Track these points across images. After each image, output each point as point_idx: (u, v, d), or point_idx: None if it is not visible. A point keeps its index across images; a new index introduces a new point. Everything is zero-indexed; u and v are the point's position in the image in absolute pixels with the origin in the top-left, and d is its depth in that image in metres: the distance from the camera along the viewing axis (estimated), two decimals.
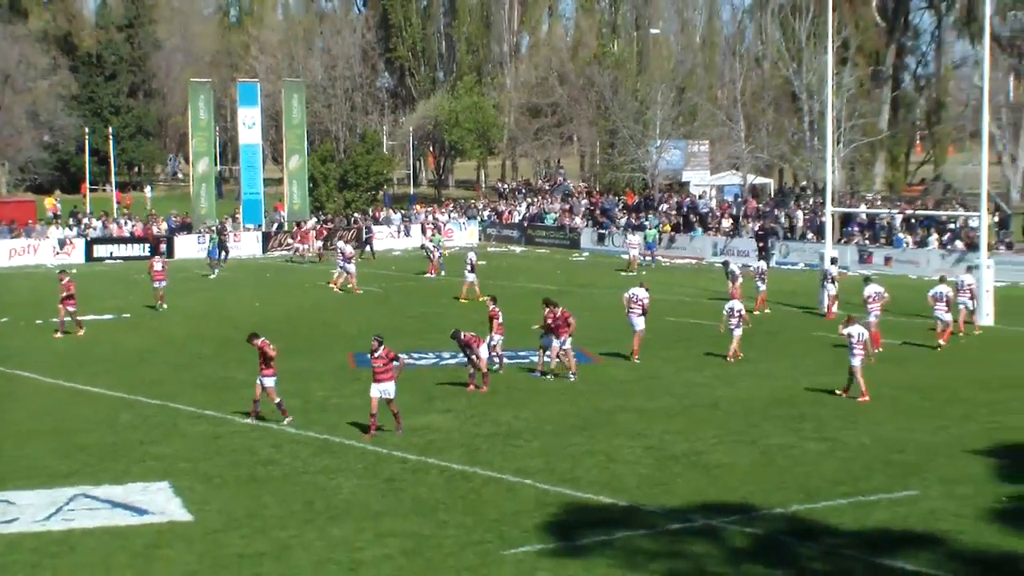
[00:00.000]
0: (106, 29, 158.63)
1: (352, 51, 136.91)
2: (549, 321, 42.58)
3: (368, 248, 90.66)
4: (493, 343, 42.71)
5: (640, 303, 46.92)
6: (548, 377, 42.30)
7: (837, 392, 39.36)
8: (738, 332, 46.46)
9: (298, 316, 58.93)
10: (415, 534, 25.60)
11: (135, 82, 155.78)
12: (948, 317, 49.75)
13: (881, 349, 46.82)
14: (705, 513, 26.84)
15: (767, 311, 57.90)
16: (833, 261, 61.53)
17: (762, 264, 63.11)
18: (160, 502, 28.26)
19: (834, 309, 55.99)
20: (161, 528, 26.40)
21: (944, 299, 49.72)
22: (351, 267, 70.48)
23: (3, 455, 32.94)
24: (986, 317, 54.29)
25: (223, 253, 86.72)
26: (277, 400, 35.87)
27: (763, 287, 59.67)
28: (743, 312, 46.92)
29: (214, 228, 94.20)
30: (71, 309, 53.49)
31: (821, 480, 29.46)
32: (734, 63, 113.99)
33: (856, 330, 39.54)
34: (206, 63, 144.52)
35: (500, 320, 43.16)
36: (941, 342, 49.12)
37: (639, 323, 46.68)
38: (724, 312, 47.38)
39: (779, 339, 50.10)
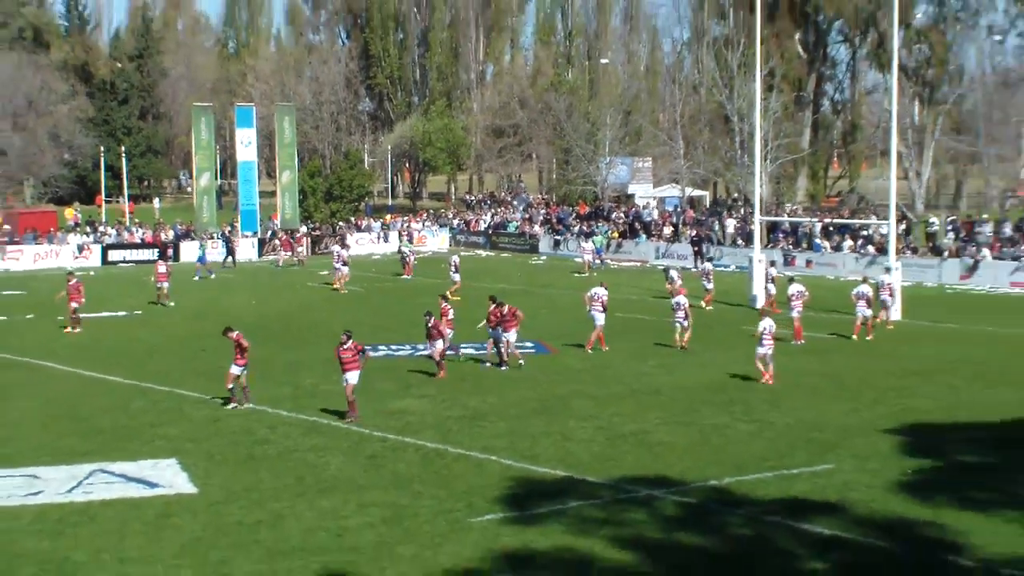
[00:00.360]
0: (119, 59, 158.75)
1: (337, 79, 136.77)
2: (493, 318, 42.70)
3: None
4: (508, 338, 42.70)
5: (600, 300, 46.97)
6: (503, 368, 42.14)
7: (761, 381, 39.38)
8: (685, 324, 46.63)
9: (290, 314, 58.88)
10: (394, 504, 25.66)
11: (145, 106, 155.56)
12: (868, 312, 49.88)
13: (803, 341, 47.15)
14: (648, 485, 26.94)
15: (709, 308, 58.07)
16: (772, 263, 61.91)
17: (708, 265, 63.34)
18: (169, 477, 28.30)
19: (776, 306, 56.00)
20: (169, 500, 26.44)
21: (865, 297, 49.92)
22: (345, 269, 70.54)
23: (29, 435, 32.89)
24: (895, 313, 54.51)
25: (229, 257, 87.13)
26: (230, 387, 35.94)
27: (710, 286, 59.92)
28: (687, 307, 47.03)
29: (214, 235, 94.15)
30: (75, 305, 53.20)
31: (750, 456, 29.61)
32: (674, 89, 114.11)
33: (766, 324, 39.87)
34: (207, 89, 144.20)
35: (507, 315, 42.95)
36: (854, 337, 49.15)
37: (600, 318, 46.71)
38: (672, 306, 47.59)
39: (713, 332, 50.20)
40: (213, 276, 76.77)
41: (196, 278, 76.31)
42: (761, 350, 39.63)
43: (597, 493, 26.49)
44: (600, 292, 47.42)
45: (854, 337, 49.23)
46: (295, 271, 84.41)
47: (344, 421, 33.45)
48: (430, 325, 40.80)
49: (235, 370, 35.83)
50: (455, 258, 69.76)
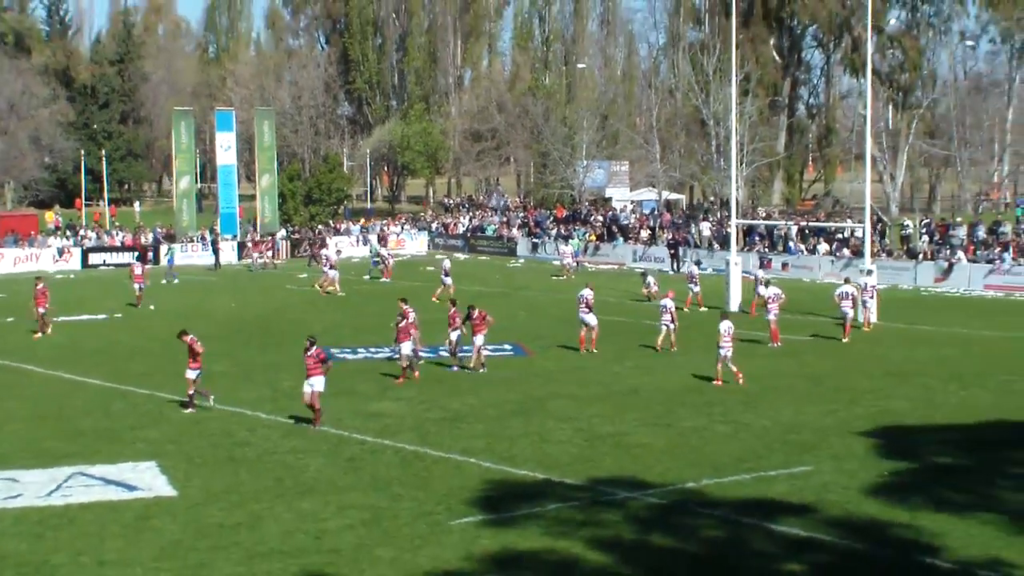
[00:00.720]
0: (100, 64, 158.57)
1: (316, 83, 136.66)
2: (452, 321, 42.70)
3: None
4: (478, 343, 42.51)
5: (586, 301, 47.03)
6: (452, 369, 42.36)
7: (715, 383, 39.56)
8: (671, 326, 46.65)
9: (269, 316, 58.82)
10: (373, 507, 25.59)
11: (125, 110, 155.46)
12: (852, 313, 50.29)
13: (780, 344, 47.17)
14: (627, 487, 26.91)
15: (703, 309, 58.05)
16: (697, 263, 62.05)
17: (694, 268, 63.27)
18: (148, 479, 28.20)
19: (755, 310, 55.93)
20: (149, 502, 26.34)
21: (850, 297, 50.38)
22: (333, 272, 70.43)
23: (9, 437, 32.80)
24: (871, 315, 54.58)
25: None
26: (191, 392, 35.92)
27: (696, 288, 59.91)
28: (673, 310, 47.01)
29: (194, 238, 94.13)
30: (41, 311, 52.89)
31: (728, 458, 29.58)
32: (650, 94, 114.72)
33: (726, 325, 40.00)
34: (188, 94, 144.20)
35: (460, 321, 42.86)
36: (845, 340, 49.38)
37: (590, 319, 46.78)
38: (660, 308, 47.51)
39: (690, 334, 50.20)
40: (176, 281, 76.16)
41: (163, 281, 75.77)
42: (722, 352, 39.76)
43: (575, 495, 26.43)
44: (586, 293, 47.55)
45: (843, 340, 49.33)
46: (274, 274, 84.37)
47: (315, 429, 32.98)
48: (400, 326, 40.67)
49: (191, 374, 35.88)
50: (447, 262, 69.72)
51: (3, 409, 36.95)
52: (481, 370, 41.99)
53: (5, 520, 25.16)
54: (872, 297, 53.55)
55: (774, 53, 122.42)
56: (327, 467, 29.20)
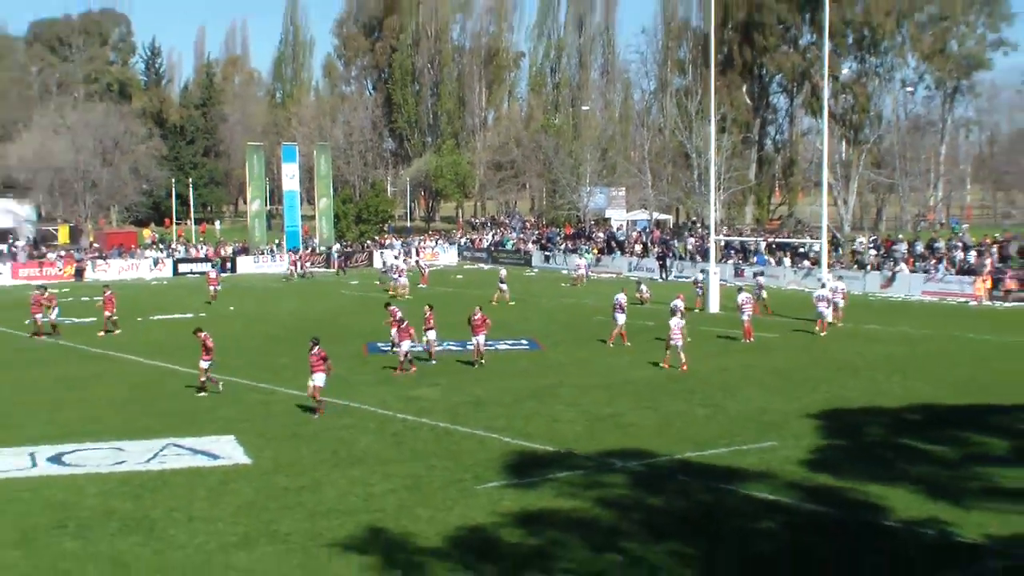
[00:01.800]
0: (187, 107, 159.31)
1: (364, 123, 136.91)
2: (426, 323, 42.53)
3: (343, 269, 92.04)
4: (430, 339, 42.56)
5: (619, 304, 47.27)
6: (433, 362, 41.82)
7: (661, 366, 40.51)
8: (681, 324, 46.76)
9: (325, 317, 58.87)
10: (413, 474, 25.67)
11: (208, 145, 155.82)
12: (828, 312, 51.09)
13: (752, 340, 47.13)
14: (623, 458, 26.96)
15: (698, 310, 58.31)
16: (761, 274, 61.90)
17: (699, 276, 63.05)
18: (228, 450, 28.35)
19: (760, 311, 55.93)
20: (229, 469, 26.49)
21: (825, 299, 51.25)
22: (403, 279, 70.36)
23: (114, 414, 32.96)
24: (828, 316, 54.54)
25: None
26: (202, 379, 36.25)
27: (702, 293, 60.30)
28: (682, 308, 46.96)
29: (264, 251, 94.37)
30: (107, 314, 52.75)
31: (707, 435, 29.61)
32: (643, 131, 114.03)
33: (676, 321, 40.98)
34: (259, 131, 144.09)
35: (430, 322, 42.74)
36: (822, 333, 50.05)
37: (620, 318, 46.92)
38: (670, 308, 47.23)
39: (656, 333, 50.23)
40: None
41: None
42: (672, 342, 40.57)
43: (581, 464, 26.48)
44: (620, 297, 47.93)
45: (822, 334, 49.94)
46: (329, 281, 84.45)
47: (317, 416, 32.38)
48: (401, 328, 40.36)
49: (203, 364, 36.26)
50: (503, 271, 69.95)
51: (109, 391, 37.14)
52: (481, 362, 41.59)
53: (112, 482, 25.31)
54: (843, 298, 54.31)
55: (746, 97, 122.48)
56: (374, 441, 29.28)
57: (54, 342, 49.88)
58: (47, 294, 53.49)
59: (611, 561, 19.63)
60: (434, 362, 41.65)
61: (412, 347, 40.76)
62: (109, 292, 54.26)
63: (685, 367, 40.12)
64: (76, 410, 33.93)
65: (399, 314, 42.70)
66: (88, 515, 22.88)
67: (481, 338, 41.61)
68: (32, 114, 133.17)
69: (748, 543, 20.89)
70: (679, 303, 47.25)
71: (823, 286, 53.92)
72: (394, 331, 42.23)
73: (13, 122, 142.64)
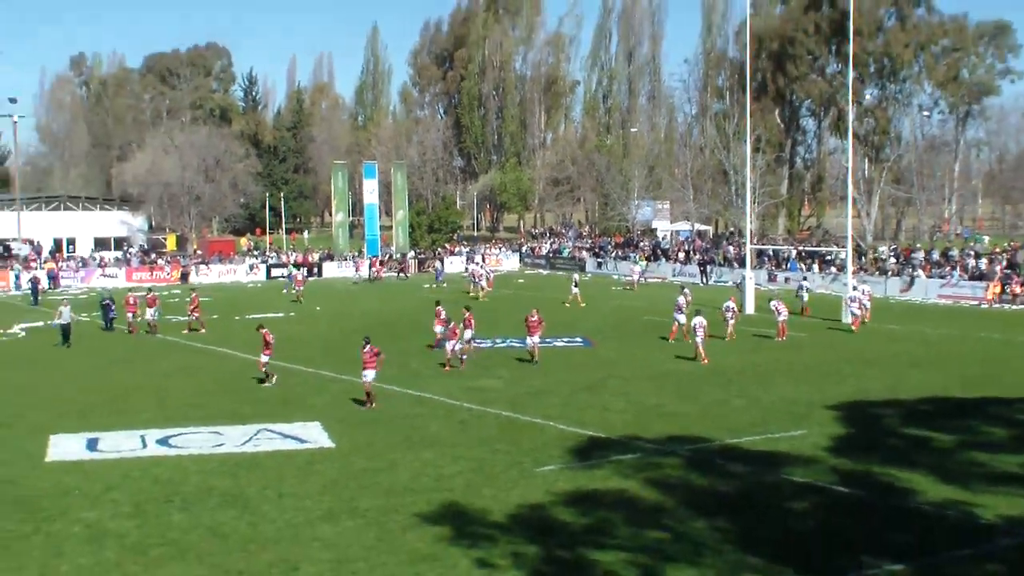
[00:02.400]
0: (280, 130, 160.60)
1: (436, 143, 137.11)
2: (467, 323, 41.56)
3: (402, 274, 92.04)
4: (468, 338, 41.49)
5: (679, 306, 47.29)
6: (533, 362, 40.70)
7: (703, 363, 40.39)
8: (732, 321, 47.15)
9: (401, 315, 59.00)
10: (478, 458, 25.63)
11: (297, 163, 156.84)
12: (859, 312, 51.39)
13: (785, 339, 46.78)
14: (668, 444, 26.79)
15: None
16: (805, 279, 61.36)
17: (804, 283, 62.15)
18: (314, 434, 28.40)
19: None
20: (315, 451, 26.54)
21: (857, 301, 51.64)
22: (485, 283, 70.27)
23: (213, 403, 33.16)
24: (850, 317, 54.10)
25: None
26: (264, 370, 36.55)
27: (805, 297, 59.34)
28: (735, 309, 47.74)
29: (347, 257, 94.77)
30: (196, 316, 52.80)
31: (743, 423, 29.38)
32: (685, 151, 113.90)
33: (699, 320, 41.25)
34: (343, 151, 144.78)
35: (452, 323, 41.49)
36: (854, 328, 50.55)
37: (681, 318, 46.83)
38: (722, 308, 47.96)
39: (713, 330, 49.90)
40: (295, 292, 71.36)
41: (284, 291, 74.90)
42: (697, 339, 40.96)
43: (630, 449, 26.31)
44: (680, 300, 48.09)
45: (854, 329, 50.34)
46: (404, 283, 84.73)
47: (365, 408, 31.85)
48: (449, 328, 40.22)
49: (263, 358, 36.52)
50: (576, 275, 69.99)
51: (209, 382, 37.37)
52: (535, 360, 40.54)
53: (212, 462, 25.47)
54: (868, 299, 54.15)
55: (778, 120, 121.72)
56: (443, 427, 29.25)
57: (152, 338, 50.21)
58: (150, 295, 53.59)
59: (658, 538, 19.49)
60: (464, 357, 40.41)
61: (455, 345, 39.99)
62: (195, 294, 55.00)
63: (706, 360, 40.31)
64: (181, 398, 34.17)
65: (444, 314, 42.80)
66: (191, 491, 23.01)
67: (536, 338, 41.05)
68: (145, 136, 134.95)
69: (784, 521, 20.67)
70: (731, 304, 48.03)
71: (855, 288, 53.80)
72: (439, 328, 42.27)
73: (129, 143, 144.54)
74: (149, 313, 52.00)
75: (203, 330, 52.29)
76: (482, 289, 70.34)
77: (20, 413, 31.93)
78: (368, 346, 32.23)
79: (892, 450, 26.08)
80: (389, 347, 43.42)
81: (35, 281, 71.19)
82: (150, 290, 57.13)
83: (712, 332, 47.11)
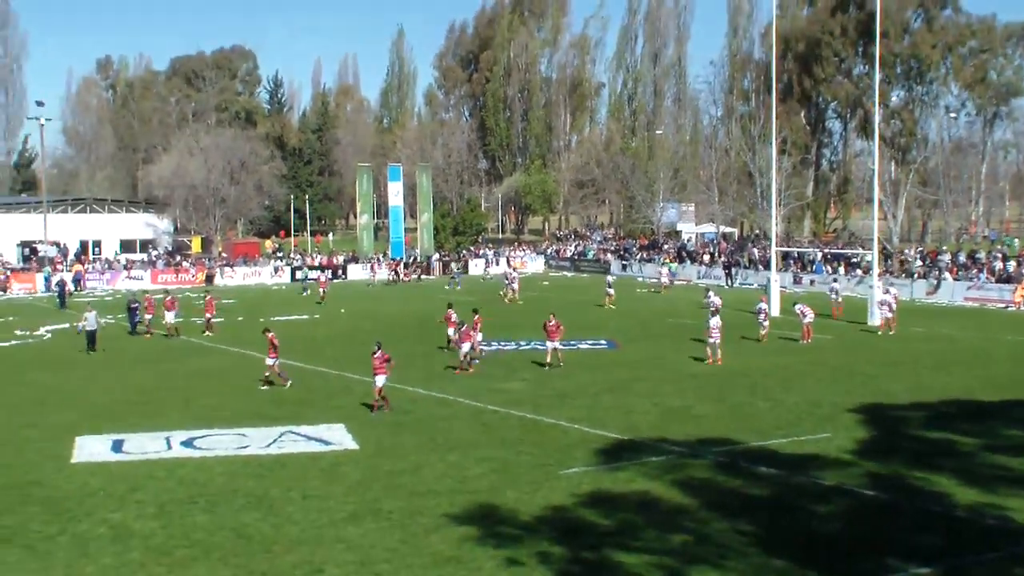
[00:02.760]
0: (305, 132, 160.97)
1: (461, 145, 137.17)
2: (477, 324, 41.58)
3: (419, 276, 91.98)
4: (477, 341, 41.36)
5: (715, 307, 47.42)
6: (547, 368, 39.84)
7: (707, 362, 40.83)
8: (765, 324, 47.56)
9: (422, 317, 58.97)
10: (502, 459, 25.62)
11: (323, 166, 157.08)
12: (890, 315, 51.57)
13: (810, 341, 46.62)
14: (693, 446, 26.73)
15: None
16: (835, 281, 61.14)
17: (836, 286, 61.63)
18: (338, 436, 28.42)
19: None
20: (339, 453, 26.58)
21: (887, 304, 51.78)
22: (516, 285, 70.26)
23: (237, 404, 33.23)
24: (876, 319, 53.96)
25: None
26: (277, 372, 36.52)
27: (839, 299, 59.31)
28: (767, 310, 48.26)
29: (371, 259, 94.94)
30: (209, 316, 53.07)
31: (768, 425, 29.28)
32: (711, 153, 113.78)
33: (715, 322, 41.64)
34: (368, 153, 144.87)
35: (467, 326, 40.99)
36: (880, 331, 50.93)
37: (766, 321, 47.45)
38: (754, 310, 48.52)
39: (739, 332, 49.81)
40: (308, 293, 75.93)
41: (304, 293, 76.49)
42: (710, 341, 41.26)
43: (654, 452, 26.27)
44: (716, 300, 48.86)
45: (879, 332, 50.73)
46: (425, 285, 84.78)
47: (374, 413, 31.31)
48: (462, 331, 39.95)
49: (269, 361, 36.52)
50: (611, 278, 70.08)
51: (233, 384, 37.49)
52: (550, 364, 39.73)
53: (237, 463, 25.55)
54: (895, 301, 53.92)
55: (804, 122, 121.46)
56: (468, 429, 29.26)
57: (175, 340, 50.24)
58: (168, 298, 53.13)
59: (683, 540, 19.46)
60: (476, 362, 40.24)
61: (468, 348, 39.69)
62: (209, 297, 54.91)
63: (720, 361, 40.53)
64: (205, 400, 34.29)
65: (455, 316, 42.77)
66: (216, 492, 23.09)
67: (556, 343, 40.26)
68: (171, 139, 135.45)
69: (809, 524, 20.58)
70: (763, 305, 48.11)
71: (886, 292, 53.72)
72: (451, 330, 42.22)
73: (154, 146, 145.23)
74: (169, 316, 51.40)
75: (208, 332, 52.37)
76: (512, 291, 70.26)
77: (46, 415, 32.13)
78: (379, 351, 31.79)
79: (918, 453, 25.93)
80: (413, 349, 43.76)
81: (62, 284, 71.42)
82: (167, 292, 57.20)
83: (744, 334, 47.26)
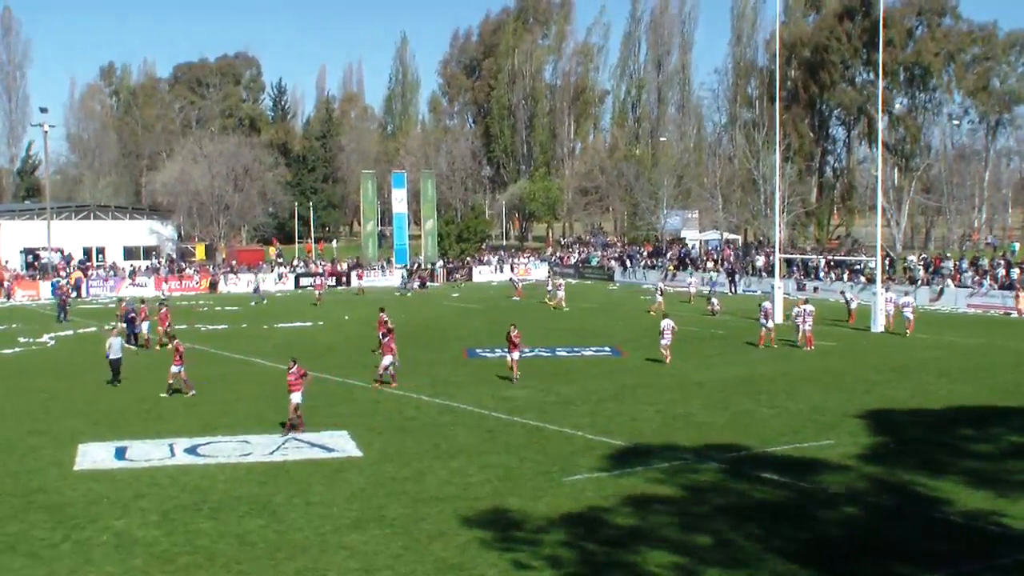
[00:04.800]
0: (309, 139, 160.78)
1: (465, 152, 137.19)
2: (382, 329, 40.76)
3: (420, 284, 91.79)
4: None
5: (765, 311, 48.61)
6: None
7: (667, 363, 42.13)
8: (769, 325, 48.70)
9: (429, 323, 59.10)
10: (505, 466, 25.61)
11: (326, 173, 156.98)
12: (912, 316, 52.88)
13: (813, 348, 46.62)
14: (696, 453, 26.72)
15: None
16: (849, 288, 61.17)
17: (847, 290, 62.44)
18: (342, 443, 28.43)
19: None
20: (342, 460, 26.57)
21: (909, 307, 53.11)
22: (561, 292, 70.13)
23: (241, 411, 33.25)
24: (880, 326, 53.96)
25: (418, 283, 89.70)
26: (170, 381, 36.46)
27: (853, 305, 59.90)
28: (770, 311, 49.42)
29: (375, 267, 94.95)
30: (162, 329, 49.90)
31: (771, 433, 29.27)
32: (715, 160, 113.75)
33: (666, 323, 43.19)
34: (371, 160, 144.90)
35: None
36: (908, 331, 52.20)
37: (769, 322, 48.10)
38: (792, 315, 49.39)
39: (743, 339, 49.79)
40: (265, 303, 74.13)
41: (252, 304, 74.01)
42: (663, 342, 42.58)
43: (658, 458, 26.26)
44: (767, 305, 49.69)
45: (908, 333, 51.92)
46: (432, 293, 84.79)
47: (284, 433, 29.57)
48: (384, 342, 38.13)
49: (174, 369, 36.49)
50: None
51: (237, 390, 37.52)
52: (515, 376, 38.22)
53: (240, 470, 25.57)
54: (893, 309, 54.94)
55: (808, 129, 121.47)
56: (471, 436, 29.25)
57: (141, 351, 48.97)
58: (163, 311, 51.51)
59: (687, 546, 19.43)
60: (392, 372, 38.00)
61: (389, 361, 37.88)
62: (165, 309, 51.86)
63: (668, 360, 42.16)
64: (208, 407, 34.29)
65: (389, 324, 42.44)
66: (219, 499, 23.10)
67: (516, 355, 38.68)
68: (174, 145, 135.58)
69: (813, 530, 20.54)
70: (660, 298, 48.88)
71: (905, 294, 54.34)
72: (382, 333, 41.25)
73: (158, 152, 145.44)
74: (144, 327, 50.13)
75: (169, 346, 49.91)
76: (558, 299, 69.95)
77: (49, 422, 32.13)
78: (294, 367, 30.28)
79: (922, 459, 25.90)
80: (418, 356, 43.72)
81: (63, 293, 67.08)
82: (162, 304, 55.36)
83: (749, 340, 47.24)
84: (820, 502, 22.45)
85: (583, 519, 21.27)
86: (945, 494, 22.75)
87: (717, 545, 19.49)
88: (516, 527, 20.77)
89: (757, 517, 21.30)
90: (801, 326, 47.55)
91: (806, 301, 52.17)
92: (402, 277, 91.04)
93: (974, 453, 26.75)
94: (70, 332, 56.25)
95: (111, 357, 39.45)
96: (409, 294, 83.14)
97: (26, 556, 19.53)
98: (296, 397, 29.83)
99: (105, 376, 39.28)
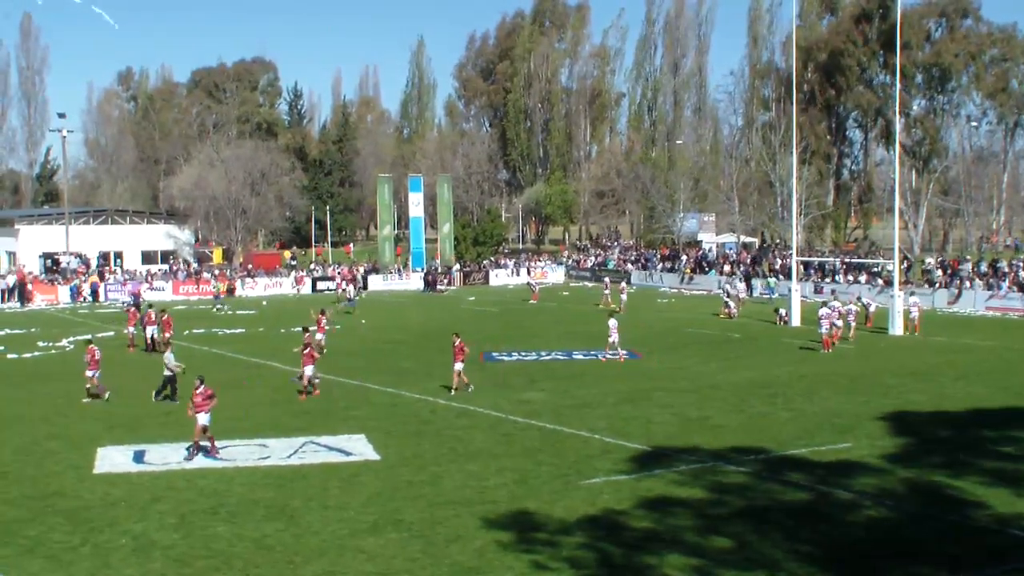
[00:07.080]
0: (325, 143, 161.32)
1: (481, 156, 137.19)
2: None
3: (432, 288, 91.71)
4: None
5: (829, 314, 47.93)
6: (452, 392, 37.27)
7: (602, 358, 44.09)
8: (853, 324, 50.62)
9: (445, 327, 59.02)
10: (522, 469, 25.59)
11: (343, 177, 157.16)
12: (917, 316, 54.22)
13: (831, 351, 46.53)
14: (713, 457, 26.65)
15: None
16: (862, 295, 61.04)
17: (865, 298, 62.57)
18: (359, 447, 28.44)
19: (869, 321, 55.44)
20: (359, 464, 26.57)
21: (915, 307, 53.97)
22: (608, 292, 69.92)
23: (258, 415, 33.28)
24: (898, 329, 53.81)
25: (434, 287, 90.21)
26: (96, 384, 36.59)
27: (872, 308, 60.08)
28: (854, 310, 50.67)
29: (393, 270, 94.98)
30: (167, 335, 49.15)
31: (788, 436, 29.20)
32: (731, 162, 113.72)
33: (612, 323, 45.20)
34: (388, 164, 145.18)
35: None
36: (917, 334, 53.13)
37: (827, 327, 47.49)
38: (819, 316, 48.71)
39: (759, 343, 49.69)
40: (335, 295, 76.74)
41: (214, 310, 73.19)
42: (611, 339, 44.86)
43: (674, 462, 26.20)
44: (836, 306, 50.34)
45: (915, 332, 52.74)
46: (450, 295, 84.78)
47: (189, 456, 27.51)
48: (304, 353, 36.69)
49: (88, 373, 36.57)
50: (730, 288, 69.87)
51: (253, 394, 37.56)
52: (457, 389, 36.77)
53: (258, 474, 25.60)
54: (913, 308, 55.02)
55: (825, 131, 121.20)
56: (488, 440, 29.24)
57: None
58: (166, 316, 51.18)
59: (704, 549, 19.39)
60: (316, 381, 37.35)
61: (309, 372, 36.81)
62: (167, 315, 51.32)
63: (622, 359, 44.26)
64: (226, 411, 34.20)
65: (325, 323, 42.97)
66: (236, 503, 23.14)
67: (459, 365, 36.85)
68: (192, 150, 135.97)
69: (831, 533, 20.44)
70: (608, 295, 49.21)
71: (912, 294, 54.60)
72: (320, 336, 41.77)
73: (175, 157, 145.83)
74: (151, 331, 49.95)
75: (167, 352, 49.50)
76: (607, 300, 69.72)
77: (68, 425, 32.25)
78: (201, 387, 27.78)
79: (942, 461, 25.80)
80: (435, 360, 43.72)
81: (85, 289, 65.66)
82: (164, 311, 54.89)
83: (765, 343, 47.21)
84: (840, 504, 22.38)
85: (601, 522, 21.23)
86: (969, 496, 22.65)
87: (736, 548, 19.44)
88: (533, 530, 20.74)
89: (776, 519, 21.25)
90: (818, 328, 47.48)
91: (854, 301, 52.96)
92: (355, 289, 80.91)
93: (995, 454, 26.62)
94: (89, 336, 56.42)
95: (165, 374, 36.66)
96: (356, 310, 73.00)
97: (45, 559, 19.59)
98: (203, 419, 27.53)
99: (122, 378, 39.34)
